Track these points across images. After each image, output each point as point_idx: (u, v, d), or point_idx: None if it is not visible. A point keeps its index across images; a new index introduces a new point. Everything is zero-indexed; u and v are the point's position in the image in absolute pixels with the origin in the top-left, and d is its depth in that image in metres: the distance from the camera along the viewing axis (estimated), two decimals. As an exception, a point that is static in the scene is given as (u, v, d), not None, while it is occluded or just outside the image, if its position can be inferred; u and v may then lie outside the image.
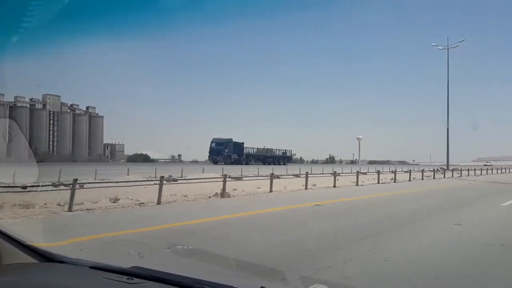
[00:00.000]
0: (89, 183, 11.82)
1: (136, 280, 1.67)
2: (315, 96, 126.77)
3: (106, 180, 13.74)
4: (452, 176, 31.99)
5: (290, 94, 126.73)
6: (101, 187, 11.29)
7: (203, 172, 21.87)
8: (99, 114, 72.13)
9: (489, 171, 39.94)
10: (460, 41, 43.50)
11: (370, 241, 5.84)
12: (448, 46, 41.59)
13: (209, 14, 59.18)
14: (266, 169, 24.75)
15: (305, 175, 16.95)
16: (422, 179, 26.09)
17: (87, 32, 42.90)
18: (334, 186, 17.22)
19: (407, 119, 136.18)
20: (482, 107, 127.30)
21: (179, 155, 65.31)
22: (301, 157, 75.78)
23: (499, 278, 4.17)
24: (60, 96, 68.20)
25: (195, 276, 1.68)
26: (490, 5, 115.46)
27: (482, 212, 9.95)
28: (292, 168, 28.47)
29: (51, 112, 66.46)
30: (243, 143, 50.96)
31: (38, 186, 9.09)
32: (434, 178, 27.84)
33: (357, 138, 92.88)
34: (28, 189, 9.26)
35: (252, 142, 63.78)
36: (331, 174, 19.17)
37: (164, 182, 11.02)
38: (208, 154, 49.92)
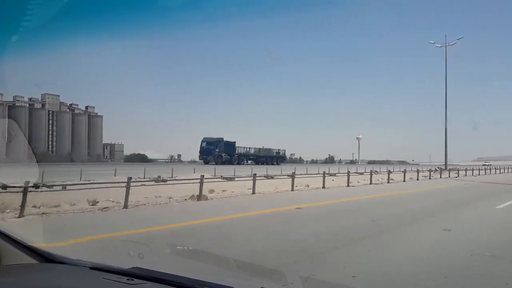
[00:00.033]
0: (73, 184, 11.37)
1: (136, 281, 1.67)
2: (315, 96, 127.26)
3: (91, 181, 13.20)
4: (449, 176, 31.55)
5: (290, 94, 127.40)
6: (84, 188, 10.80)
7: (194, 173, 20.98)
8: (98, 114, 72.16)
9: (488, 171, 39.76)
10: (458, 39, 43.35)
11: (343, 252, 5.17)
12: (446, 43, 41.44)
13: (209, 14, 59.33)
14: (259, 169, 24.24)
15: (298, 176, 16.60)
16: (418, 179, 25.62)
17: (87, 32, 42.99)
18: (324, 187, 16.67)
19: (407, 119, 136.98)
20: (482, 107, 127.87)
21: (179, 155, 65.26)
22: (300, 157, 75.96)
23: None
24: (59, 96, 68.30)
25: (195, 277, 1.68)
26: (490, 5, 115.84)
27: (475, 216, 9.37)
28: (286, 168, 27.82)
29: (50, 112, 66.40)
30: (234, 142, 50.00)
31: (21, 187, 8.78)
32: (430, 178, 27.37)
33: (357, 138, 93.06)
34: (8, 189, 9.11)
35: (252, 142, 63.76)
36: (325, 174, 18.78)
37: (152, 183, 10.82)
38: (199, 154, 48.95)
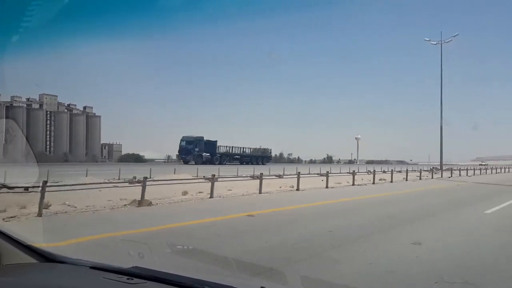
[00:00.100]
0: (36, 187, 10.38)
1: (136, 280, 1.68)
2: (315, 96, 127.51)
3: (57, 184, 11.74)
4: (442, 176, 30.27)
5: (290, 94, 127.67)
6: (51, 191, 9.75)
7: (174, 173, 20.27)
8: (96, 114, 72.08)
9: (484, 171, 39.20)
10: (454, 36, 42.98)
11: (287, 271, 3.77)
12: (441, 41, 41.25)
13: (209, 14, 59.30)
14: (242, 169, 23.79)
15: (275, 176, 16.23)
16: (407, 180, 24.29)
17: (86, 32, 43.03)
18: (298, 189, 15.44)
19: (407, 119, 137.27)
20: (482, 107, 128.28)
21: (177, 155, 65.05)
22: (298, 157, 76.09)
23: None
24: (57, 96, 68.16)
25: (195, 276, 1.69)
26: (490, 5, 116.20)
27: (457, 224, 8.00)
28: (273, 169, 26.51)
29: (48, 112, 66.25)
30: (216, 141, 48.62)
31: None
32: (420, 179, 26.07)
33: (356, 138, 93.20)
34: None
35: (251, 142, 63.46)
36: (318, 174, 18.33)
37: (126, 184, 10.28)
38: (178, 154, 47.65)
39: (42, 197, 8.11)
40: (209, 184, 12.32)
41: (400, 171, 26.82)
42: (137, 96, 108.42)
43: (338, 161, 75.01)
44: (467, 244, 5.94)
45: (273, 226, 7.24)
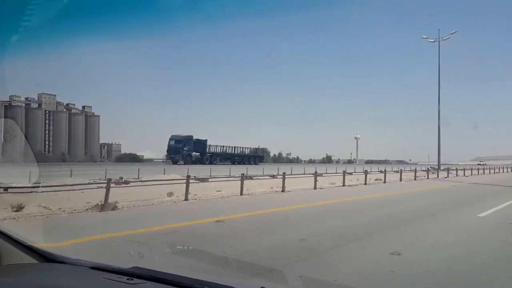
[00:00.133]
0: (15, 187, 10.39)
1: (136, 280, 1.68)
2: (315, 96, 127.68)
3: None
4: (438, 177, 29.54)
5: (290, 94, 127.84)
6: (27, 192, 9.83)
7: (164, 174, 19.71)
8: (95, 114, 72.04)
9: (481, 171, 38.67)
10: (451, 33, 42.87)
11: None
12: (439, 38, 41.20)
13: (209, 14, 59.07)
14: (233, 170, 23.19)
15: (269, 177, 15.80)
16: (401, 180, 23.42)
17: (86, 32, 42.98)
18: (283, 190, 14.63)
19: (407, 119, 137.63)
20: (482, 107, 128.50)
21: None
22: (297, 157, 76.17)
23: None
24: (55, 95, 68.10)
25: (194, 276, 1.69)
26: (490, 5, 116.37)
27: (445, 229, 7.28)
28: (267, 169, 25.83)
29: (47, 112, 66.19)
30: (206, 140, 47.59)
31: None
32: (415, 179, 25.44)
33: (355, 138, 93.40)
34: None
35: (251, 142, 63.22)
36: (312, 174, 17.63)
37: (113, 185, 9.83)
38: (166, 153, 46.51)
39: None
40: (197, 184, 11.97)
41: (397, 171, 26.17)
42: (137, 96, 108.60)
43: (338, 161, 75.11)
44: (453, 256, 5.14)
45: (239, 233, 6.57)
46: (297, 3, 79.95)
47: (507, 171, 44.82)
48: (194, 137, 46.79)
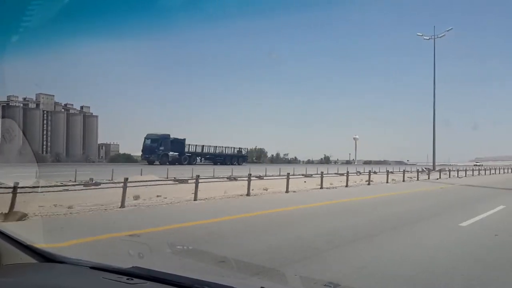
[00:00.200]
0: None
1: (136, 280, 1.68)
2: (315, 96, 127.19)
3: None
4: (429, 178, 28.32)
5: (290, 94, 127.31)
6: None
7: (141, 175, 18.83)
8: (94, 114, 71.89)
9: (476, 172, 37.93)
10: (447, 30, 42.49)
11: None
12: (434, 36, 40.86)
13: (209, 14, 59.00)
14: (216, 170, 22.82)
15: (255, 178, 14.40)
16: (387, 182, 22.05)
17: (86, 32, 43.01)
18: (248, 194, 13.24)
19: (407, 119, 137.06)
20: (482, 107, 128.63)
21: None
22: (295, 157, 76.09)
23: None
24: (53, 96, 67.87)
25: (194, 276, 1.69)
26: (490, 5, 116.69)
27: (412, 245, 5.90)
28: (254, 169, 23.58)
29: (45, 112, 66.02)
30: (184, 139, 45.20)
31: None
32: (403, 181, 24.30)
33: (354, 138, 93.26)
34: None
35: (251, 142, 62.82)
36: (303, 175, 17.37)
37: (81, 187, 9.51)
38: (141, 153, 44.32)
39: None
40: (173, 187, 11.01)
41: (392, 172, 25.55)
42: (137, 96, 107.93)
43: (336, 162, 75.10)
44: (419, 279, 4.07)
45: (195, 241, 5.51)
46: (297, 3, 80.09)
47: (504, 172, 44.21)
48: (173, 136, 44.87)
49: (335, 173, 20.82)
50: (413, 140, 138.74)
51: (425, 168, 34.00)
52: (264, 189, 15.10)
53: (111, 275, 1.76)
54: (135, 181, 12.51)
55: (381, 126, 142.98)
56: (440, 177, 29.41)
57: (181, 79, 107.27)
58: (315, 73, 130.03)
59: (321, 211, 10.12)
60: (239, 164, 46.15)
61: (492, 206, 10.64)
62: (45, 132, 65.38)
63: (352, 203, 12.05)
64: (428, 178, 28.35)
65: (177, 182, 11.91)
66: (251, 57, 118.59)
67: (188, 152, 45.28)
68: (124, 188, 10.02)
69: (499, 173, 42.85)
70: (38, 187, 10.26)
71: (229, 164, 42.61)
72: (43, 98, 65.99)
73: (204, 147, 47.55)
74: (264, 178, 16.94)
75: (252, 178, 14.00)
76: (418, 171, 29.07)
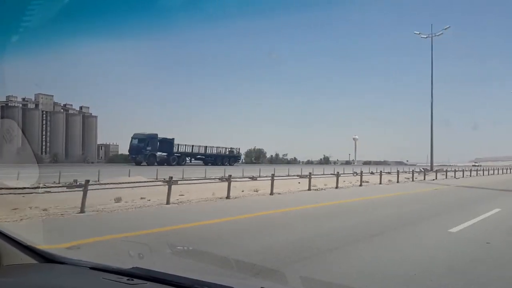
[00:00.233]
0: None
1: (136, 281, 1.69)
2: (315, 96, 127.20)
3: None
4: (424, 179, 27.85)
5: (290, 94, 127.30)
6: None
7: (129, 176, 18.44)
8: (93, 114, 71.85)
9: (474, 173, 37.35)
10: (445, 28, 42.29)
11: None
12: (431, 34, 40.85)
13: (209, 14, 58.99)
14: (206, 171, 22.36)
15: (248, 179, 14.49)
16: (380, 183, 21.38)
17: (86, 32, 43.03)
18: (228, 197, 12.45)
19: (407, 119, 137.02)
20: (482, 107, 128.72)
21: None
22: (295, 157, 76.14)
23: None
24: (52, 96, 67.87)
25: (195, 277, 1.69)
26: (490, 5, 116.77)
27: (394, 253, 5.35)
28: (247, 170, 24.11)
29: (44, 112, 65.98)
30: (173, 139, 43.75)
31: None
32: (398, 182, 23.70)
33: (353, 138, 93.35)
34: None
35: (251, 142, 62.46)
36: (298, 176, 16.87)
37: (64, 189, 9.29)
38: (128, 153, 43.28)
39: None
40: (162, 188, 10.54)
41: (389, 173, 25.43)
42: (137, 96, 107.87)
43: (336, 162, 75.13)
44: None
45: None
46: (297, 3, 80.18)
47: (503, 173, 43.88)
48: (163, 136, 43.92)
49: (331, 174, 20.66)
50: (413, 140, 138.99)
51: (422, 169, 33.47)
52: (254, 191, 14.72)
53: (111, 275, 1.77)
54: (112, 183, 12.10)
55: (381, 126, 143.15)
56: (436, 178, 29.00)
57: (181, 79, 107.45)
58: (315, 73, 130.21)
59: (294, 215, 9.31)
60: (230, 165, 44.97)
61: (487, 208, 10.18)
62: (44, 132, 65.35)
63: (334, 207, 11.22)
64: (424, 179, 27.96)
65: (165, 184, 11.34)
66: (251, 57, 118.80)
67: (177, 152, 44.11)
68: (85, 191, 9.09)
69: (498, 173, 42.57)
70: (14, 188, 10.00)
71: (220, 165, 41.66)
72: (42, 98, 65.95)
73: (194, 147, 46.15)
74: (258, 179, 16.69)
75: (245, 179, 13.84)
76: (413, 172, 28.68)
